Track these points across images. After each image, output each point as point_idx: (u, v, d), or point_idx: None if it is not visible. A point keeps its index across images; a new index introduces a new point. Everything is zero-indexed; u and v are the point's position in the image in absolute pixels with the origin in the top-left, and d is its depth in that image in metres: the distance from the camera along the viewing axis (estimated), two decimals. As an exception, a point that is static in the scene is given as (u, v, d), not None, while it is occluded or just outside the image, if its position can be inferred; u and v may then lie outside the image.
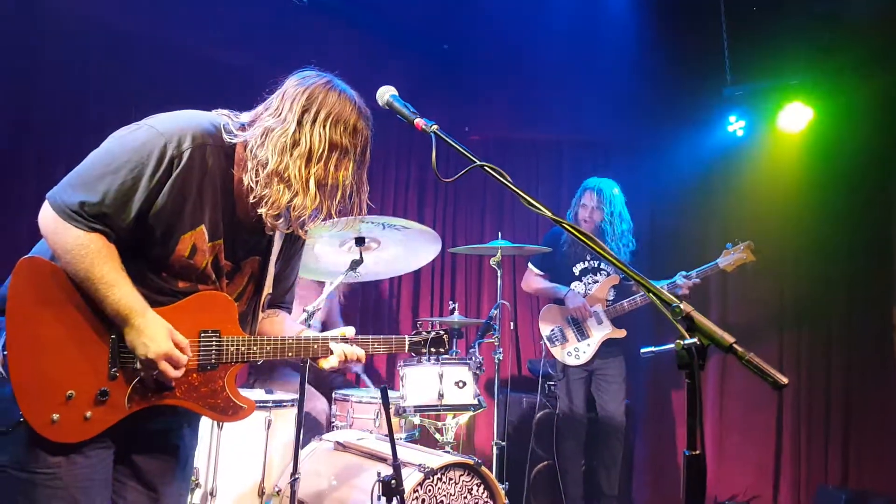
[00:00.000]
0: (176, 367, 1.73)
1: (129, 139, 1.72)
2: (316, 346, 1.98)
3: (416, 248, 3.44)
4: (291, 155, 1.74)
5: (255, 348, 1.87)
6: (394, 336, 2.15)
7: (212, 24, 4.33)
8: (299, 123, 1.76)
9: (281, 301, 2.16)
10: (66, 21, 3.96)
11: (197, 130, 1.75)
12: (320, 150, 1.76)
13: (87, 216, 1.66)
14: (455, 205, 5.81)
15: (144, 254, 1.76)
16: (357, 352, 2.02)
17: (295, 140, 1.75)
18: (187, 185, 1.73)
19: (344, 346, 1.99)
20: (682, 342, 1.25)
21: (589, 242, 1.49)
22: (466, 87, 5.56)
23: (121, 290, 1.68)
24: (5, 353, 1.65)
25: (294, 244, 2.09)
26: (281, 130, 1.76)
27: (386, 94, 1.94)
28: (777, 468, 5.03)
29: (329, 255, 3.39)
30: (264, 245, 1.95)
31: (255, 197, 1.77)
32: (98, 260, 1.67)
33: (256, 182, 1.76)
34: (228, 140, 1.79)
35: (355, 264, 3.11)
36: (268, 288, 1.99)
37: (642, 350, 1.36)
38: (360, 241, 3.21)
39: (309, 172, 1.75)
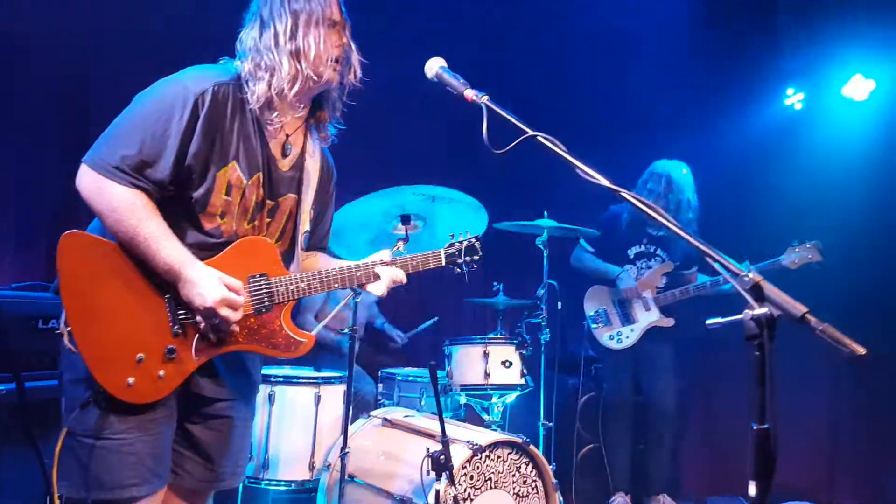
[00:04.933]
0: (234, 309, 1.78)
1: (153, 94, 1.81)
2: (360, 274, 2.02)
3: (463, 226, 3.39)
4: (262, 43, 1.84)
5: (303, 284, 1.93)
6: (430, 252, 2.17)
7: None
8: (261, 16, 1.87)
9: (320, 243, 2.22)
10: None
11: (212, 73, 1.85)
12: (284, 24, 1.84)
13: (128, 170, 1.71)
14: (499, 183, 5.74)
15: (185, 205, 1.81)
16: (399, 274, 2.06)
17: (261, 31, 1.86)
18: (213, 124, 1.79)
19: (390, 270, 2.04)
20: (750, 312, 1.20)
21: (653, 213, 1.45)
22: (512, 65, 5.47)
23: (170, 245, 1.73)
24: (69, 328, 1.70)
25: (328, 184, 2.16)
26: (250, 30, 1.88)
27: (435, 65, 1.91)
28: (834, 456, 4.89)
29: (375, 235, 3.39)
30: (297, 181, 2.01)
31: (249, 95, 1.84)
32: (145, 216, 1.72)
33: (248, 84, 1.84)
34: (236, 73, 1.87)
35: (401, 241, 3.10)
36: (303, 225, 2.04)
37: (708, 321, 1.32)
38: (405, 220, 3.19)
39: (280, 50, 1.83)
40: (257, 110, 1.85)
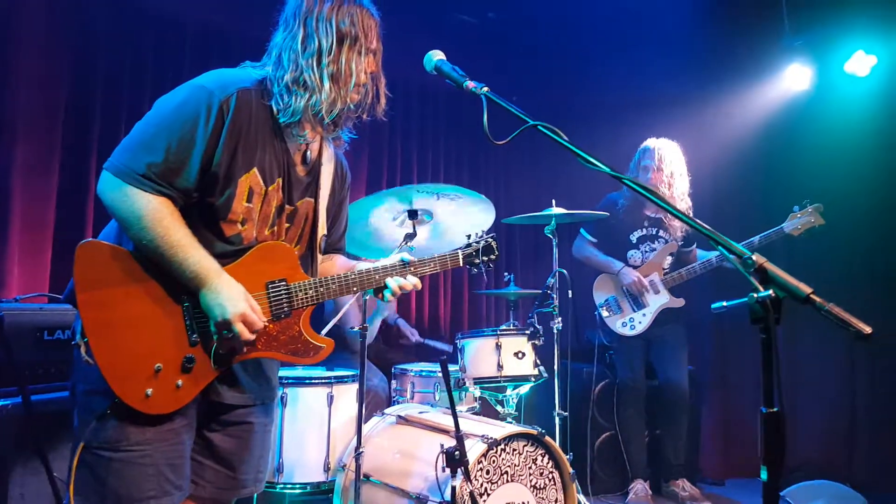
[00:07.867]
0: (251, 329, 1.76)
1: (176, 98, 1.76)
2: (378, 277, 2.04)
3: (470, 218, 3.39)
4: (304, 58, 1.80)
5: (321, 289, 1.93)
6: (448, 253, 2.20)
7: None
8: (305, 27, 1.82)
9: (337, 245, 2.22)
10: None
11: (235, 78, 1.81)
12: (329, 44, 1.81)
13: (155, 178, 1.68)
14: (507, 174, 5.72)
15: (207, 212, 1.78)
16: (412, 282, 2.07)
17: (305, 45, 1.81)
18: (237, 131, 1.77)
19: (398, 280, 2.05)
20: (755, 295, 1.19)
21: (651, 197, 1.43)
22: (516, 50, 5.41)
23: (198, 253, 1.71)
24: (86, 340, 1.66)
25: (342, 186, 2.16)
26: (290, 41, 1.83)
27: (433, 58, 1.90)
28: (852, 435, 4.85)
29: (383, 231, 3.39)
30: (314, 185, 2.01)
31: (278, 111, 1.82)
32: (172, 225, 1.69)
33: (280, 96, 1.81)
34: (258, 78, 1.84)
35: (409, 237, 3.10)
36: (322, 229, 2.04)
37: (713, 306, 1.31)
38: (412, 215, 3.19)
39: (322, 70, 1.80)
40: (282, 121, 1.83)
